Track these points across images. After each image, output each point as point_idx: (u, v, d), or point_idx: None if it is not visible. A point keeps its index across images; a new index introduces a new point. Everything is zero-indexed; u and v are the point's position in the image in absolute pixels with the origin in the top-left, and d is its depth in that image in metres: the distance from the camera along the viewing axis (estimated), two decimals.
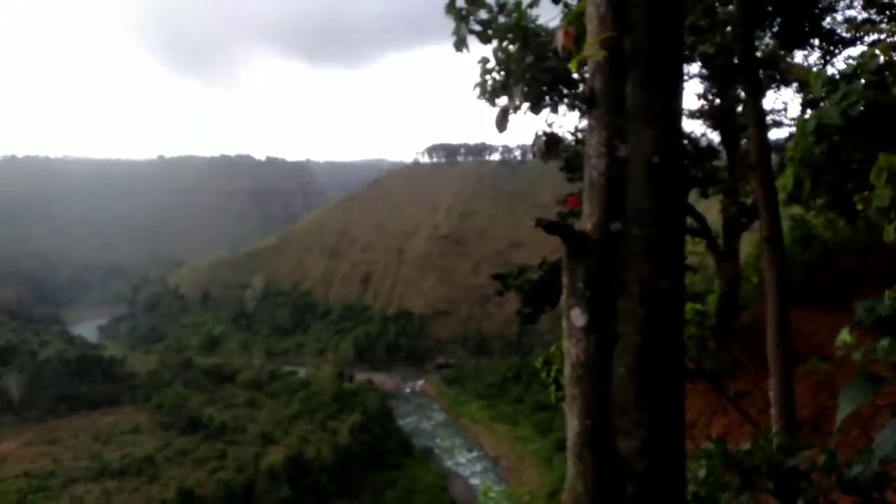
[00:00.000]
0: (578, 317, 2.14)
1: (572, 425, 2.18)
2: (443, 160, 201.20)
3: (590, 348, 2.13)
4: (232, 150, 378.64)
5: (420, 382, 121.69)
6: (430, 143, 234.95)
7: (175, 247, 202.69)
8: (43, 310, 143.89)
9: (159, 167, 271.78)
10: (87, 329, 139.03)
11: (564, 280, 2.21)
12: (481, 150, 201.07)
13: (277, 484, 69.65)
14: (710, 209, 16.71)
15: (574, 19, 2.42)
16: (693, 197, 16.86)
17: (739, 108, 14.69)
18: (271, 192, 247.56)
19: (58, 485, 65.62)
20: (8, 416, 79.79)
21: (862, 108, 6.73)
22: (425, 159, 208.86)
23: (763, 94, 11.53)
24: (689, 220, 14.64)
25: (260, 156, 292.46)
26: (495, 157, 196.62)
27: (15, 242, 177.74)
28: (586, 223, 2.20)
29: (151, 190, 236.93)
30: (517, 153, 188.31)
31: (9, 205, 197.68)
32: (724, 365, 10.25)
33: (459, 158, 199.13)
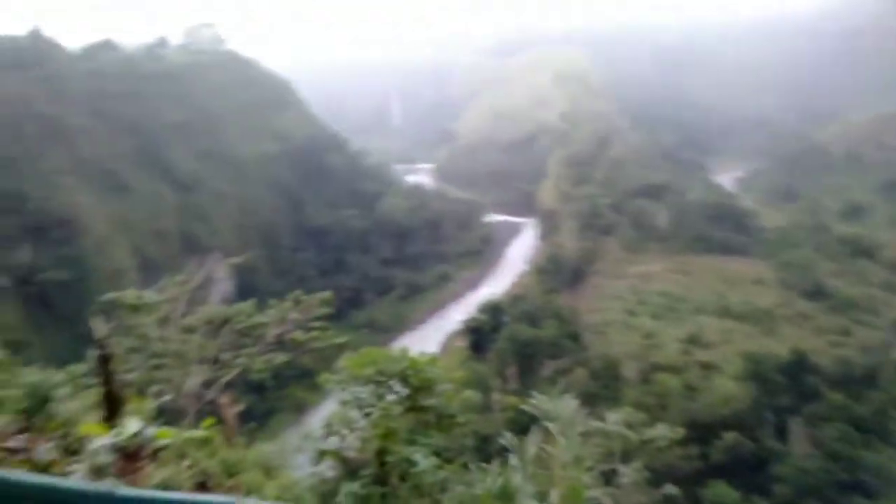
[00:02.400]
0: None
1: None
2: None
3: None
4: None
5: None
6: None
7: (829, 99, 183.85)
8: (689, 155, 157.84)
9: (821, 8, 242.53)
10: (725, 179, 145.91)
11: None
12: None
13: None
14: None
15: None
16: None
17: None
18: None
19: (685, 310, 75.65)
20: (656, 244, 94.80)
21: None
22: None
23: None
24: None
25: None
26: None
27: (676, 90, 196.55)
28: None
29: (809, 34, 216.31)
30: None
31: (672, 56, 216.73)
32: None
33: None
